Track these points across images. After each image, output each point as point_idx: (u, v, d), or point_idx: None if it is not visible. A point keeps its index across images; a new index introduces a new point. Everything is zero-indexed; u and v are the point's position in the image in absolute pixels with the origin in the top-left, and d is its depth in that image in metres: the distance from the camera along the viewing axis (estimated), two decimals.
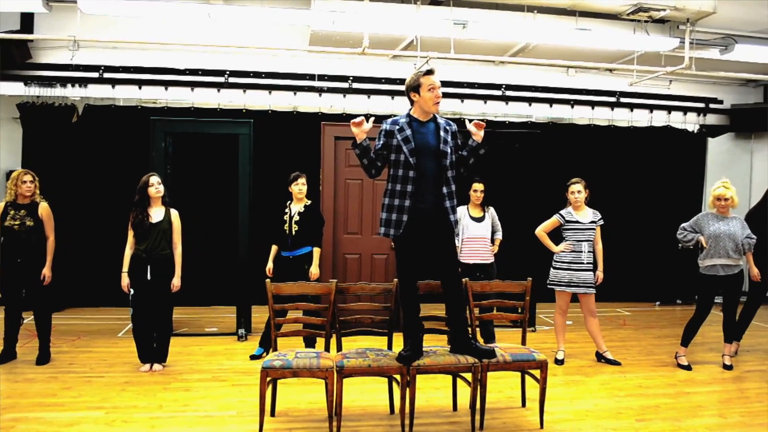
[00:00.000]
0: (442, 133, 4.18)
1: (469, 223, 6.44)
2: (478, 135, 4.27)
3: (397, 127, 4.19)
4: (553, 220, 6.10)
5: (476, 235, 6.44)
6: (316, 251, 6.02)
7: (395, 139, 4.15)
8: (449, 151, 4.17)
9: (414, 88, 4.19)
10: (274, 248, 6.17)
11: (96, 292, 8.25)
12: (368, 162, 4.24)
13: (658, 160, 9.76)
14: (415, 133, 4.15)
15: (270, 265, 6.14)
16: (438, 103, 4.17)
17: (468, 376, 4.36)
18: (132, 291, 5.51)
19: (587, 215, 6.06)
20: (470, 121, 4.34)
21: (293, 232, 5.97)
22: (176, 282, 5.62)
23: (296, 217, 5.99)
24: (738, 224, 5.87)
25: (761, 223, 6.34)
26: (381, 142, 4.22)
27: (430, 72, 4.18)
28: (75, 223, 7.96)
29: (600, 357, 6.16)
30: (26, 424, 4.23)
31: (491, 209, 6.62)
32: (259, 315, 7.13)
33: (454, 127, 4.32)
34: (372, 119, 4.32)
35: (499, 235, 6.63)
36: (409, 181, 4.10)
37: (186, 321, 7.51)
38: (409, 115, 4.25)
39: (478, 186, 6.48)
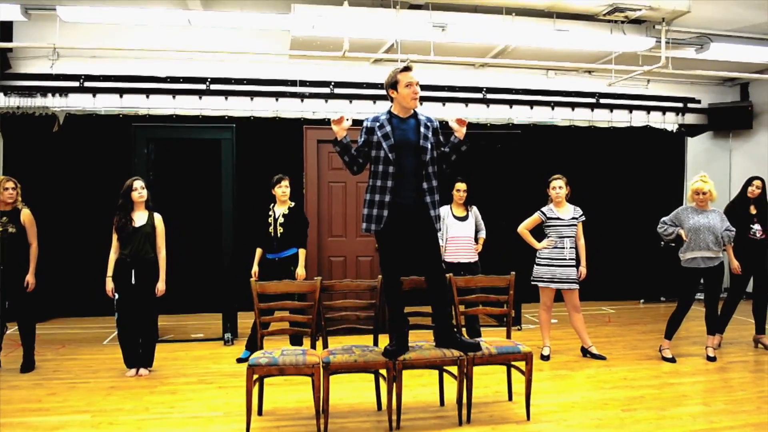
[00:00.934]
0: (422, 129, 4.22)
1: (452, 222, 6.48)
2: (461, 131, 4.30)
3: (378, 123, 4.23)
4: (535, 218, 6.15)
5: (460, 234, 6.47)
6: (302, 252, 6.04)
7: (375, 135, 4.19)
8: (429, 147, 4.20)
9: (392, 85, 4.23)
10: (258, 251, 6.17)
11: (80, 301, 8.18)
12: (349, 159, 4.28)
13: (638, 160, 9.88)
14: (395, 130, 4.19)
15: (255, 268, 6.14)
16: (416, 98, 4.20)
17: (454, 370, 4.38)
18: (117, 296, 5.49)
19: (568, 212, 6.12)
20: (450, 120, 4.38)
21: (278, 234, 5.98)
22: (161, 286, 5.60)
23: (281, 219, 6.00)
24: (717, 217, 5.96)
25: (740, 216, 6.43)
26: (362, 139, 4.26)
27: (407, 69, 4.21)
28: (58, 232, 7.91)
29: (585, 352, 6.20)
30: (11, 429, 4.19)
31: (474, 208, 6.67)
32: (246, 320, 7.08)
33: (436, 123, 4.35)
34: (350, 119, 4.35)
35: (482, 234, 6.67)
36: (389, 176, 4.14)
37: (172, 328, 7.47)
38: (389, 112, 4.29)
39: (461, 186, 6.52)
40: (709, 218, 5.92)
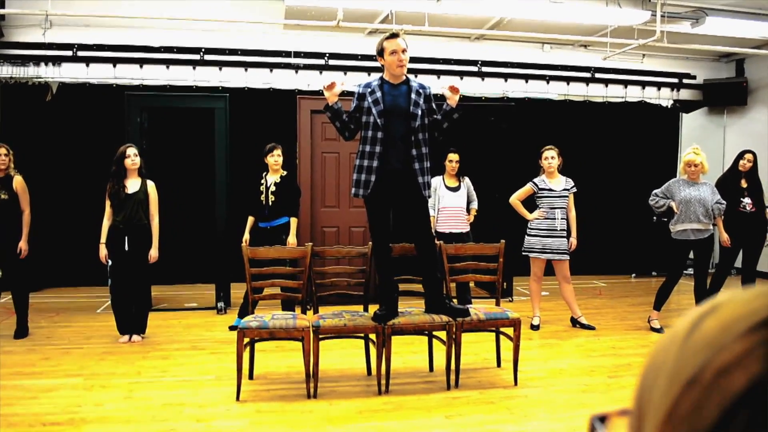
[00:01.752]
0: (413, 96, 4.23)
1: (444, 193, 6.51)
2: (453, 99, 4.29)
3: (369, 89, 4.24)
4: (527, 188, 6.17)
5: (452, 204, 6.51)
6: (293, 221, 6.06)
7: (366, 101, 4.20)
8: (420, 113, 4.21)
9: (379, 52, 4.25)
10: (250, 219, 6.19)
11: (74, 271, 8.21)
12: (340, 125, 4.29)
13: (632, 135, 9.88)
14: (386, 95, 4.20)
15: (246, 236, 6.16)
16: (401, 66, 4.19)
17: (443, 335, 4.43)
18: (110, 262, 5.52)
19: (560, 183, 6.15)
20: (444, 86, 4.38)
21: (270, 203, 6.00)
22: (153, 253, 5.63)
23: (273, 188, 6.02)
24: (708, 190, 5.98)
25: (731, 190, 6.47)
26: (354, 104, 4.27)
27: (393, 36, 4.21)
28: (51, 202, 7.91)
29: (575, 322, 6.27)
30: (4, 392, 4.23)
31: (467, 179, 6.69)
32: (239, 291, 7.12)
33: (429, 90, 4.35)
34: (344, 83, 4.35)
35: (474, 205, 6.70)
36: (377, 142, 4.15)
37: (165, 297, 7.51)
38: (381, 78, 4.30)
39: (453, 156, 6.54)
40: (700, 191, 5.94)
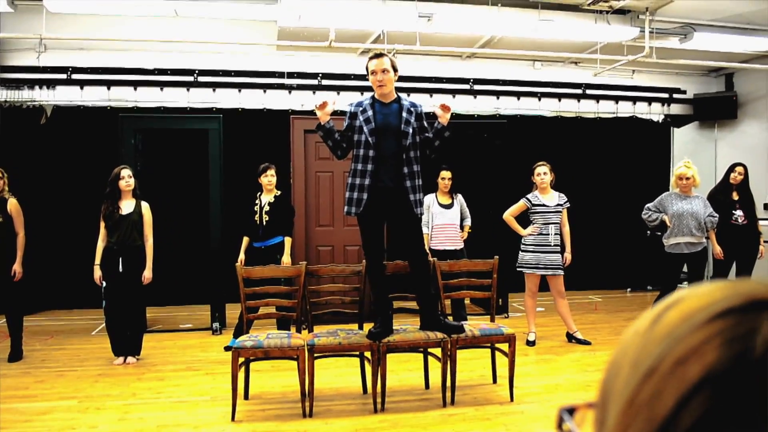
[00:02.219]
0: (404, 114, 4.26)
1: (438, 210, 6.53)
2: (444, 117, 4.31)
3: (360, 108, 4.28)
4: (520, 204, 6.20)
5: (445, 222, 6.53)
6: (287, 240, 6.07)
7: (358, 119, 4.24)
8: (411, 131, 4.24)
9: (366, 72, 4.30)
10: (245, 240, 6.20)
11: (69, 293, 8.18)
12: (333, 143, 4.33)
13: (624, 150, 9.94)
14: (377, 114, 4.24)
15: (242, 256, 6.16)
16: (381, 86, 4.22)
17: (438, 352, 4.43)
18: (104, 284, 5.52)
19: (553, 198, 6.18)
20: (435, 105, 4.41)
21: (264, 223, 6.01)
22: (147, 274, 5.63)
23: (266, 208, 6.04)
24: (700, 203, 6.02)
25: (722, 202, 6.51)
26: (346, 123, 4.31)
27: (375, 56, 4.26)
28: (46, 225, 7.90)
29: (570, 337, 6.27)
30: None
31: (459, 196, 6.72)
32: (234, 311, 7.12)
33: (420, 108, 4.39)
34: (335, 102, 4.38)
35: (468, 222, 6.72)
36: (369, 160, 4.18)
37: (160, 318, 7.50)
38: (372, 97, 4.34)
39: (446, 174, 6.57)
40: (693, 204, 5.98)
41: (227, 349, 6.03)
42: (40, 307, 8.08)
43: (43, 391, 4.78)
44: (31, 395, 4.66)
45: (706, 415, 0.34)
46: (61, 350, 6.12)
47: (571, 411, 0.48)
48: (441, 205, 6.56)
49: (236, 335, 6.12)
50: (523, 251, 6.17)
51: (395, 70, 4.28)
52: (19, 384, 4.95)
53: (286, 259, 6.01)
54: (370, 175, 4.18)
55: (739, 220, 6.49)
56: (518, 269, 6.22)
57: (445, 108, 4.33)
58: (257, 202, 6.10)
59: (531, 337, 6.22)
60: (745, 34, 8.44)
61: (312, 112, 8.09)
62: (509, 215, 6.22)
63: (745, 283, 0.39)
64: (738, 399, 0.34)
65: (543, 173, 6.14)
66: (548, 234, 6.08)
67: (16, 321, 5.76)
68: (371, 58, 4.25)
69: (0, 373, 5.28)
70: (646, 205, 6.24)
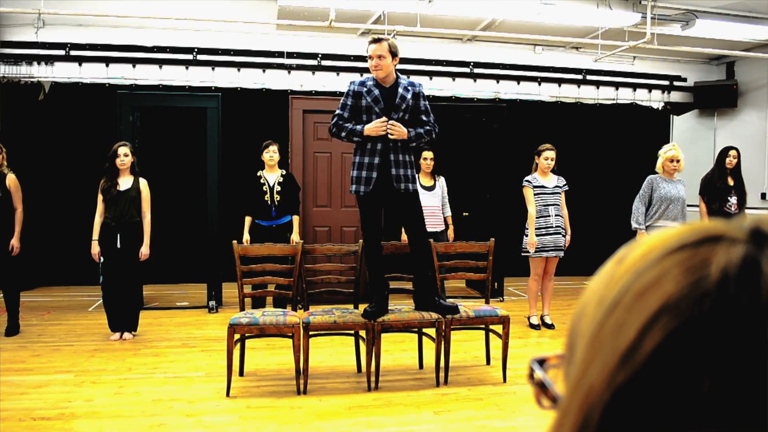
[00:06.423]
0: (400, 90, 4.26)
1: (419, 191, 6.50)
2: (397, 136, 4.23)
3: (365, 88, 4.26)
4: (528, 191, 6.12)
5: (426, 203, 6.45)
6: (296, 219, 6.10)
7: (365, 99, 4.23)
8: (404, 107, 4.22)
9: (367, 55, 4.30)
10: (248, 219, 6.16)
11: (66, 269, 8.20)
12: (346, 134, 4.28)
13: (623, 137, 9.93)
14: (383, 94, 4.24)
15: (246, 236, 6.11)
16: (376, 70, 4.20)
17: (433, 332, 4.46)
18: (102, 259, 5.54)
19: (552, 180, 6.17)
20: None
21: (276, 202, 6.02)
22: (145, 250, 5.64)
23: (278, 187, 6.04)
24: (682, 187, 5.95)
25: (719, 188, 6.49)
26: (349, 103, 4.29)
27: (373, 41, 4.24)
28: (44, 201, 7.89)
29: (540, 320, 6.28)
30: None
31: (442, 179, 6.69)
32: (230, 290, 7.16)
33: (419, 88, 4.38)
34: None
35: (448, 212, 6.67)
36: (378, 139, 4.19)
37: (157, 296, 7.52)
38: (373, 79, 4.32)
39: (428, 154, 6.57)
40: (678, 188, 5.90)
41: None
42: (37, 283, 8.10)
43: (39, 365, 4.80)
44: (27, 368, 4.69)
45: (666, 341, 0.36)
46: (57, 325, 6.15)
47: (541, 362, 0.50)
48: (422, 187, 6.49)
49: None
50: (527, 235, 6.14)
51: (395, 55, 4.25)
52: (15, 357, 4.98)
53: (296, 237, 6.02)
54: (380, 154, 4.18)
55: (732, 209, 6.48)
56: (523, 254, 6.20)
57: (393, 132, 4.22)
58: (263, 181, 6.08)
59: (534, 321, 6.19)
60: (747, 22, 8.41)
61: (311, 92, 8.13)
62: (532, 210, 6.09)
63: (699, 222, 0.42)
64: (695, 323, 0.36)
65: (551, 158, 6.11)
66: (549, 215, 6.07)
67: (14, 296, 5.78)
68: (370, 43, 4.23)
69: None
70: (636, 203, 6.04)
